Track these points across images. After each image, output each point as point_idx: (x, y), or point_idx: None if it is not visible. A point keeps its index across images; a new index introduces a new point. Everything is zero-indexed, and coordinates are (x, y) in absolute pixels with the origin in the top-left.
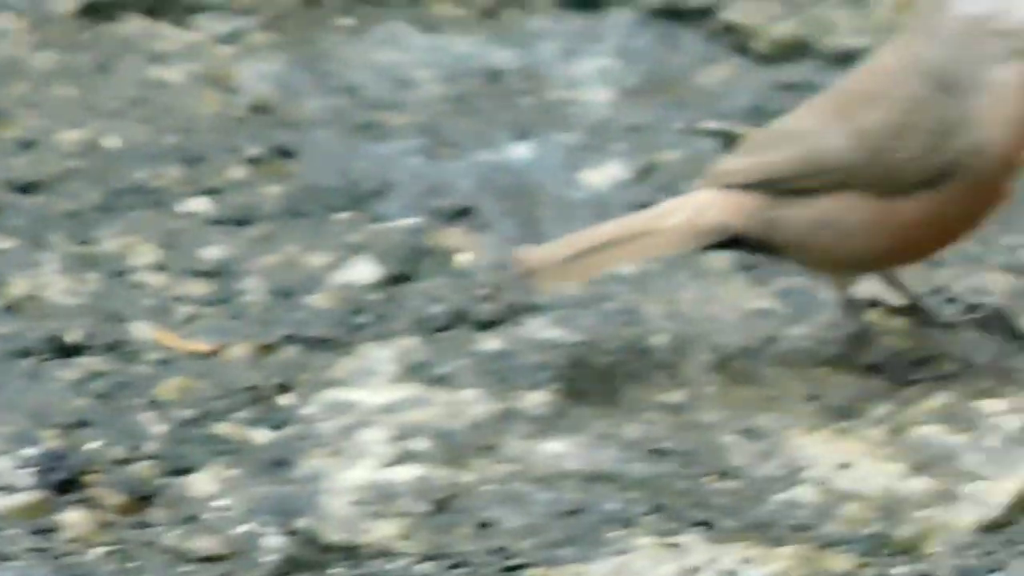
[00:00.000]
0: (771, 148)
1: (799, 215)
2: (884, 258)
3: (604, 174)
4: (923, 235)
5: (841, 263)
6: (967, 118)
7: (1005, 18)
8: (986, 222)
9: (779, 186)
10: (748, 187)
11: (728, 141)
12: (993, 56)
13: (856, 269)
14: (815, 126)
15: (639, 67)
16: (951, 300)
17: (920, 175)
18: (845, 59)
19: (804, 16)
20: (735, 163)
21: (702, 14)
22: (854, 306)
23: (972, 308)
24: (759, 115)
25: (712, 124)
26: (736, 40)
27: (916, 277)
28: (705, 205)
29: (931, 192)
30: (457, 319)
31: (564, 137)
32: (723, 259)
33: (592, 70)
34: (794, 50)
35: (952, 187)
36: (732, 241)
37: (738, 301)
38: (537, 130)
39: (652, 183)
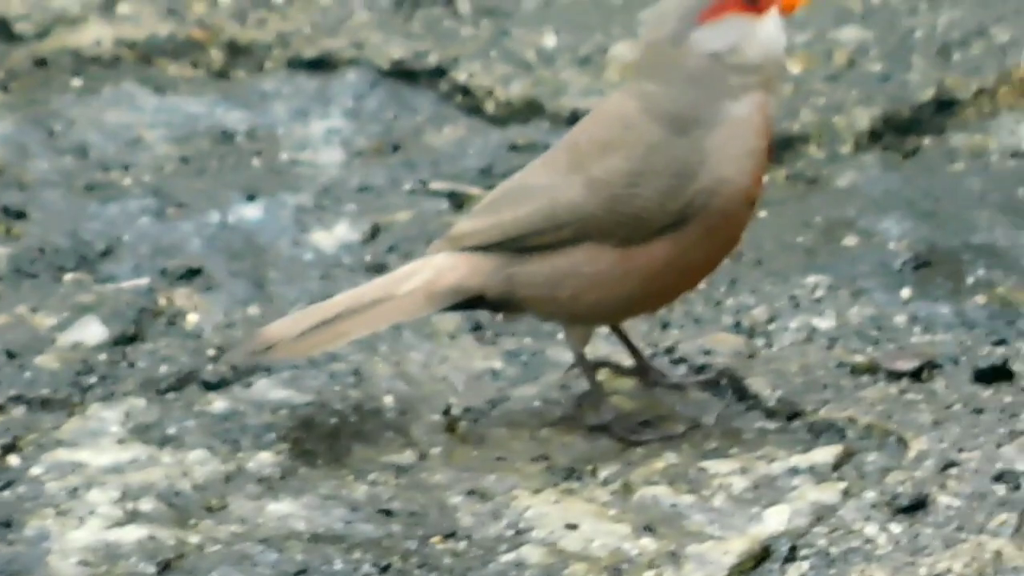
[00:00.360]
0: (506, 206)
1: (538, 270)
2: (626, 306)
3: (333, 235)
4: (665, 280)
5: (582, 315)
6: (704, 158)
7: (740, 54)
8: (726, 258)
9: (517, 243)
10: (486, 247)
11: (459, 201)
12: (729, 92)
13: (598, 320)
14: (550, 180)
15: (370, 128)
16: (679, 361)
17: (660, 220)
18: (575, 120)
19: (535, 77)
20: (470, 224)
21: (434, 75)
22: (588, 364)
23: (700, 369)
24: (490, 175)
25: (442, 184)
26: (468, 101)
27: (645, 337)
28: (442, 268)
29: (672, 236)
30: (186, 380)
31: (294, 198)
32: (452, 320)
33: (323, 131)
34: (525, 111)
35: (692, 228)
36: (472, 301)
37: (466, 362)
38: (267, 191)
39: (381, 243)
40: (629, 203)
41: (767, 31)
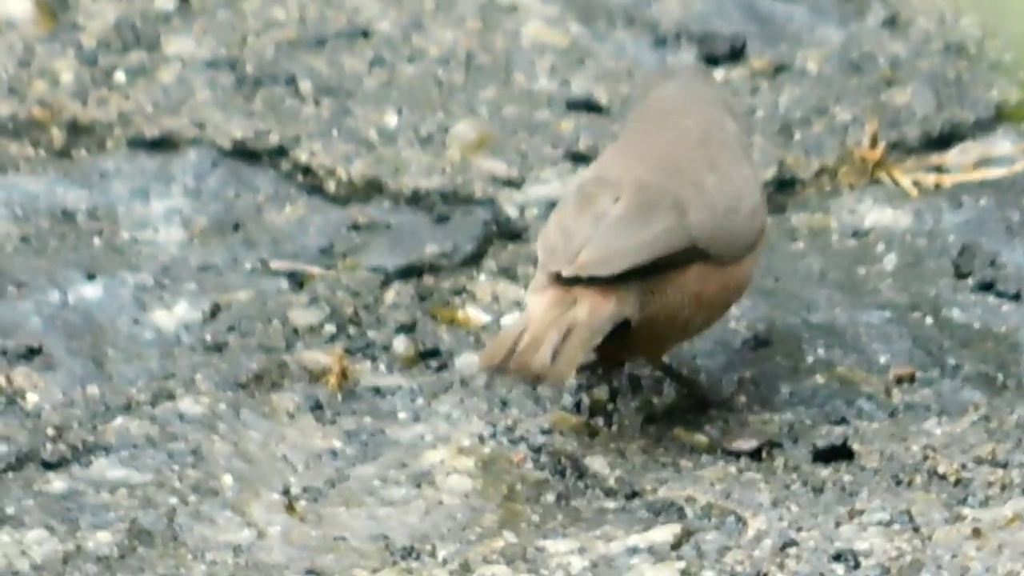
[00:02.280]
0: (626, 227)
1: (669, 294)
2: (707, 326)
3: (174, 314)
4: (738, 298)
5: (684, 337)
6: (759, 182)
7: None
8: None
9: (644, 268)
10: (614, 276)
11: (299, 281)
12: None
13: (682, 341)
14: (657, 191)
15: (211, 207)
16: (519, 440)
17: (750, 238)
18: (417, 199)
19: (376, 156)
20: (595, 252)
21: (275, 154)
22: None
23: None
24: (331, 255)
25: (283, 264)
26: (309, 180)
27: (484, 416)
28: (594, 299)
29: (752, 254)
30: (24, 459)
31: (134, 277)
32: (290, 399)
33: (163, 210)
34: (367, 190)
35: (760, 246)
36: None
37: (305, 441)
38: (107, 269)
39: (222, 323)
40: (733, 222)
41: None
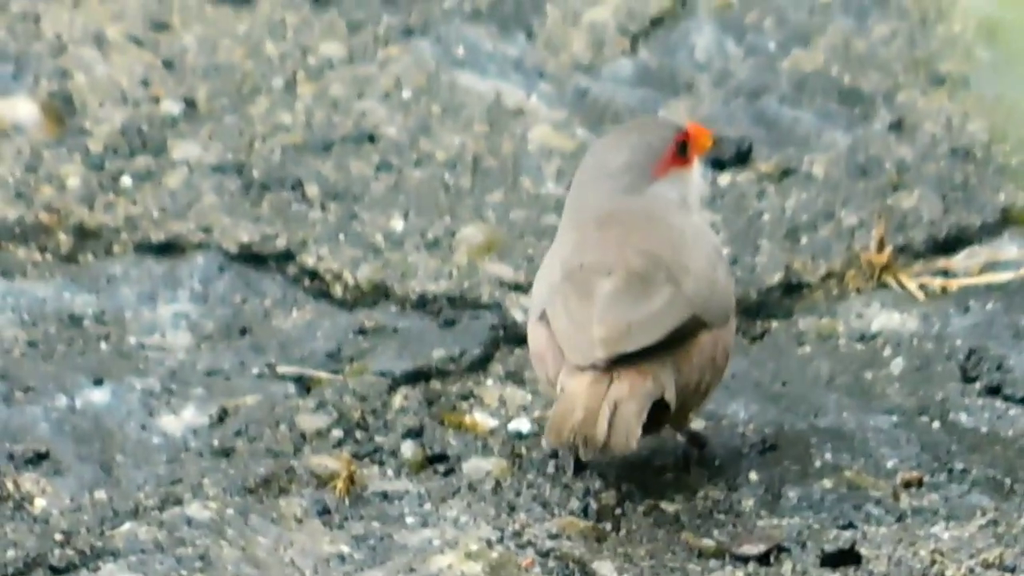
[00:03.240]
0: (625, 307)
1: (690, 362)
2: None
3: (181, 419)
4: (730, 355)
5: (704, 402)
6: (717, 245)
7: (685, 200)
8: None
9: (667, 342)
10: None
11: (306, 385)
12: None
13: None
14: (652, 275)
15: (218, 312)
16: (527, 544)
17: (730, 301)
18: (424, 303)
19: (383, 260)
20: (614, 328)
21: (282, 258)
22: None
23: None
24: (338, 359)
25: (290, 369)
26: (316, 284)
27: (492, 521)
28: (633, 379)
29: (732, 316)
30: (32, 564)
31: (141, 381)
32: (298, 504)
33: (170, 315)
34: (373, 294)
35: (734, 309)
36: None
37: (314, 546)
38: (115, 374)
39: (229, 427)
40: (715, 288)
41: (696, 177)
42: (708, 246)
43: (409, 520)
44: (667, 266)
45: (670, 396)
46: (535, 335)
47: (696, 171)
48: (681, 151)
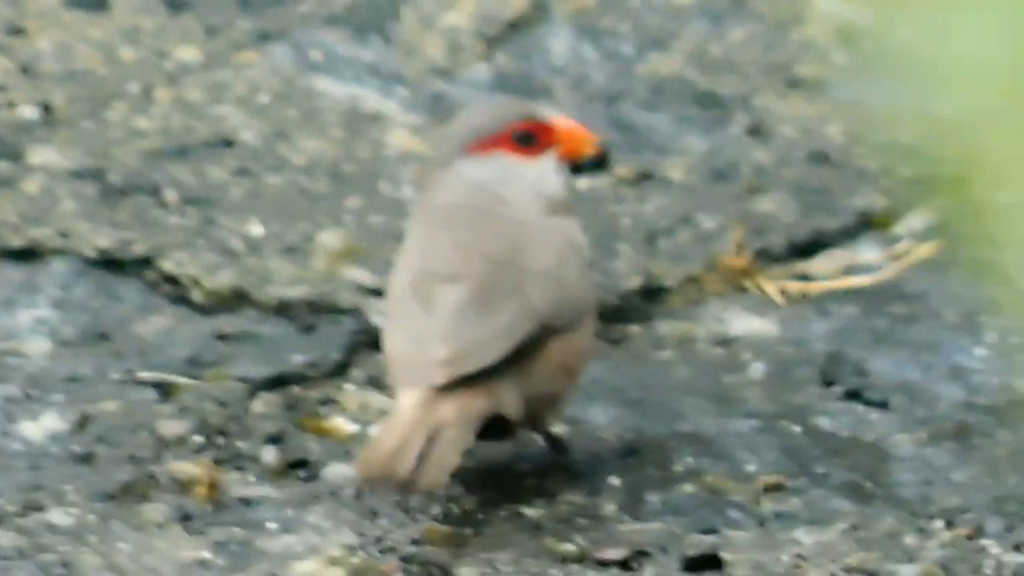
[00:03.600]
0: (470, 325)
1: (544, 370)
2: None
3: (41, 425)
4: (591, 355)
5: (566, 400)
6: (577, 242)
7: (504, 189)
8: None
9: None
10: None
11: (166, 391)
12: None
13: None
14: (498, 286)
15: (77, 317)
16: (389, 550)
17: (586, 302)
18: (282, 309)
19: (241, 266)
20: (453, 348)
21: (141, 264)
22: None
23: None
24: (198, 365)
25: (150, 375)
26: (175, 290)
27: (354, 526)
28: (461, 398)
29: (590, 316)
30: None
31: (1, 388)
32: (159, 510)
33: (29, 321)
34: (232, 300)
35: (593, 307)
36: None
37: (175, 552)
38: None
39: (90, 433)
40: (565, 290)
41: (537, 174)
42: (556, 238)
43: (270, 526)
44: (513, 272)
45: (510, 411)
46: (385, 341)
47: (540, 166)
48: (523, 140)
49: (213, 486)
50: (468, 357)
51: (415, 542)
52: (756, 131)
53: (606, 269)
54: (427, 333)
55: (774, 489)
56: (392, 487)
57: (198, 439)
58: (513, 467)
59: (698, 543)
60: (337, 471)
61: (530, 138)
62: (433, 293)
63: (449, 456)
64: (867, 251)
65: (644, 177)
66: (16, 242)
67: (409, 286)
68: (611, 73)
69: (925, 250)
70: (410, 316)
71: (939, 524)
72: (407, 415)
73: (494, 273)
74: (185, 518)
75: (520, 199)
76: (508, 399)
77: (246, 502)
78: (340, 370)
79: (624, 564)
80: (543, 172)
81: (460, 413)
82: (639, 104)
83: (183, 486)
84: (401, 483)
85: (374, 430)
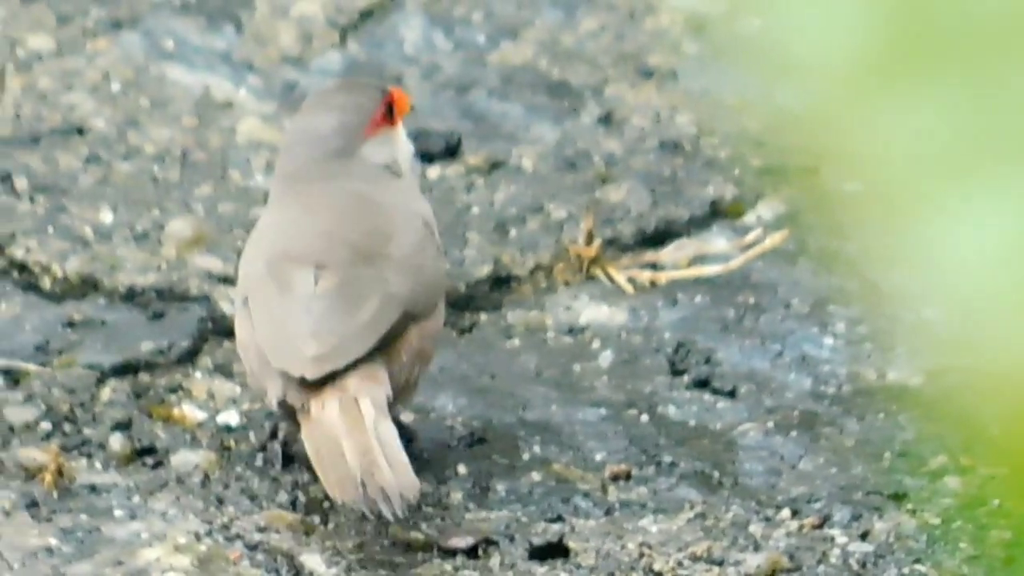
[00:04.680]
0: (338, 319)
1: (405, 355)
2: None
3: None
4: (438, 339)
5: (416, 386)
6: (427, 226)
7: (396, 162)
8: None
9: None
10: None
11: (15, 378)
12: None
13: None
14: (360, 275)
15: None
16: (235, 537)
17: (439, 288)
18: (131, 296)
19: (91, 253)
20: (324, 347)
21: None
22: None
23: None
24: (46, 352)
25: None
26: (25, 277)
27: (200, 515)
28: (367, 386)
29: (442, 301)
30: None
31: None
32: (6, 497)
33: None
34: (82, 287)
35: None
36: None
37: (21, 539)
38: None
39: None
40: (422, 277)
41: (402, 139)
42: (416, 223)
43: (117, 513)
44: (375, 260)
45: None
46: (241, 324)
47: (402, 133)
48: (388, 112)
49: (60, 473)
50: (336, 353)
51: (261, 529)
52: (607, 120)
53: (456, 257)
54: (292, 325)
55: (621, 478)
56: (390, 506)
57: (45, 426)
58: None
59: (545, 531)
60: (184, 458)
61: (391, 110)
62: (293, 279)
63: (398, 450)
64: (717, 240)
65: (495, 166)
66: None
67: (267, 271)
68: (463, 62)
69: (774, 239)
70: (270, 304)
71: (786, 513)
72: (340, 419)
73: (357, 262)
74: (32, 505)
75: (408, 172)
76: (386, 382)
77: (93, 489)
78: (188, 357)
79: (471, 552)
80: (405, 138)
81: (375, 403)
82: (491, 93)
83: (30, 473)
84: (397, 495)
85: (310, 439)
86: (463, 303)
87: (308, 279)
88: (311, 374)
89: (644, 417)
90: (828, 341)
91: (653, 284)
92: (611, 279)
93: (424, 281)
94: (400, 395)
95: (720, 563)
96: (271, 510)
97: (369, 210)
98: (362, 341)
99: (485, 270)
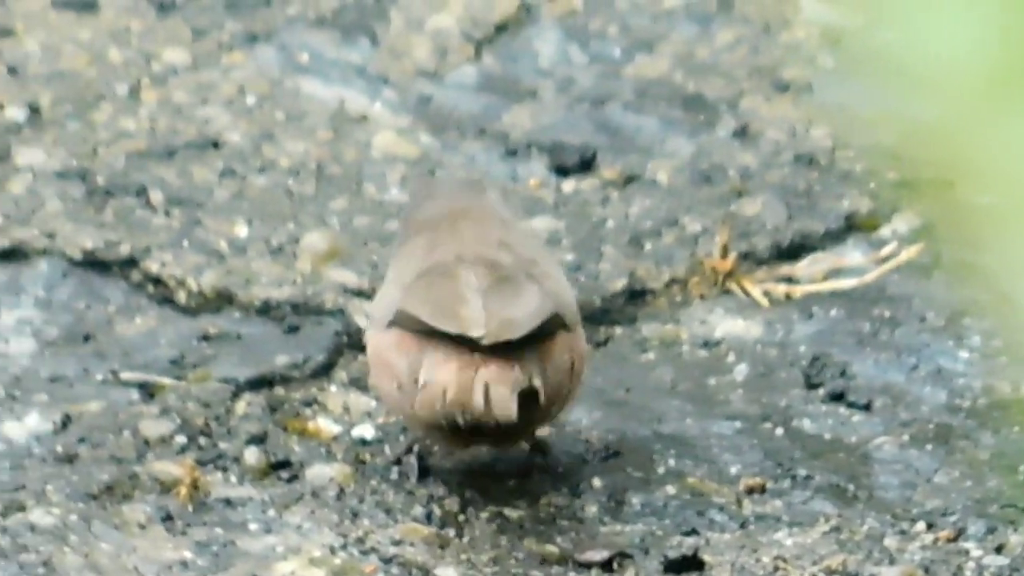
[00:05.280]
0: (502, 302)
1: (559, 359)
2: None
3: (24, 425)
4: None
5: (568, 405)
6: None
7: None
8: None
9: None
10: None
11: (150, 391)
12: None
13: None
14: (514, 274)
15: (61, 318)
16: (370, 551)
17: (576, 308)
18: (266, 309)
19: (226, 267)
20: (491, 321)
21: (126, 265)
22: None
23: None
24: (181, 365)
25: (133, 375)
26: (160, 291)
27: (336, 528)
28: (498, 364)
29: (580, 321)
30: None
31: None
32: (141, 510)
33: (14, 321)
34: (217, 301)
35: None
36: None
37: (156, 552)
38: None
39: (72, 434)
40: (567, 290)
41: None
42: (540, 243)
43: (252, 527)
44: (524, 263)
45: (538, 385)
46: (383, 343)
47: None
48: None
49: (195, 486)
50: (506, 326)
51: (396, 543)
52: (742, 134)
53: (591, 271)
54: (456, 300)
55: (756, 491)
56: (467, 414)
57: (181, 439)
58: (494, 469)
59: (680, 545)
60: (319, 472)
61: None
62: (455, 276)
63: (508, 399)
64: (852, 254)
65: (630, 179)
66: (1, 242)
67: (424, 275)
68: (598, 75)
69: (910, 253)
70: (436, 291)
71: (921, 526)
72: (456, 374)
73: (508, 260)
74: (167, 518)
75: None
76: (536, 375)
77: (228, 502)
78: (324, 371)
79: (606, 566)
80: None
81: (501, 376)
82: (626, 106)
83: (165, 486)
84: (477, 410)
85: (425, 377)
86: (598, 317)
87: (470, 276)
88: (485, 340)
89: (779, 430)
90: (963, 354)
91: (788, 297)
92: (746, 292)
93: (567, 293)
94: (552, 400)
95: None
96: (406, 523)
97: (508, 226)
98: (525, 320)
99: (620, 283)
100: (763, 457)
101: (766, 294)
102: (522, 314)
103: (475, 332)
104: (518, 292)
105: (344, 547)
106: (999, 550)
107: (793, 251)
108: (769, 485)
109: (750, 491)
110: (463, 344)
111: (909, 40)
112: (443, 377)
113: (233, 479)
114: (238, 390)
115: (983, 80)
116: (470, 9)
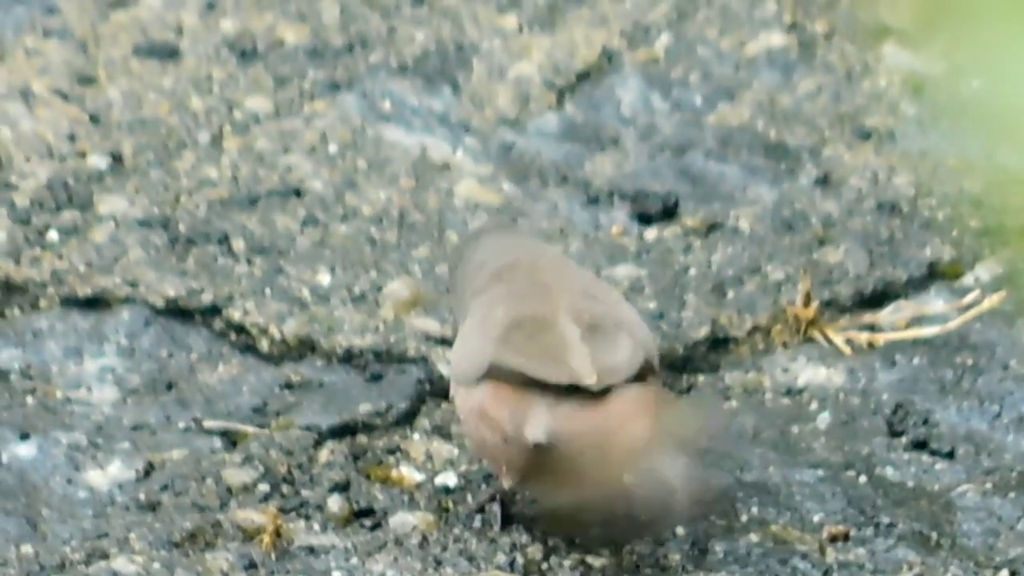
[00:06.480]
0: (599, 349)
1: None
2: None
3: (107, 473)
4: None
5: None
6: None
7: None
8: None
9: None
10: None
11: (233, 439)
12: None
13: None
14: (602, 322)
15: (144, 366)
16: None
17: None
18: (350, 358)
19: (309, 315)
20: (611, 360)
21: (208, 313)
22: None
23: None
24: (264, 414)
25: (216, 423)
26: (243, 339)
27: None
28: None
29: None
30: None
31: (67, 436)
32: (224, 558)
33: (96, 369)
34: (300, 348)
35: None
36: None
37: None
38: (41, 429)
39: (155, 482)
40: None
41: None
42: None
43: (336, 574)
44: (612, 311)
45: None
46: (477, 396)
47: None
48: None
49: (278, 534)
50: (608, 373)
51: None
52: (825, 182)
53: (673, 319)
54: (565, 351)
55: (839, 539)
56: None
57: (264, 487)
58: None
59: None
60: (402, 520)
61: None
62: (547, 327)
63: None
64: (935, 302)
65: (712, 227)
66: (84, 291)
67: (514, 328)
68: (680, 123)
69: (992, 301)
70: (534, 338)
71: (1004, 574)
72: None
73: (592, 310)
74: (250, 566)
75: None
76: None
77: (311, 550)
78: (406, 419)
79: None
80: None
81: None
82: (708, 154)
83: (248, 534)
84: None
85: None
86: (681, 364)
87: (562, 327)
88: (594, 383)
89: (862, 478)
90: None
91: (871, 345)
92: (829, 340)
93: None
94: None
95: None
96: (489, 571)
97: (582, 274)
98: (627, 366)
99: (703, 331)
100: (846, 505)
101: (848, 342)
102: (620, 361)
103: (588, 380)
104: (612, 340)
105: None
106: None
107: (875, 299)
108: (852, 533)
109: (833, 539)
110: (562, 392)
111: (993, 88)
112: (570, 427)
113: (316, 527)
114: (321, 438)
115: None
116: (552, 57)
